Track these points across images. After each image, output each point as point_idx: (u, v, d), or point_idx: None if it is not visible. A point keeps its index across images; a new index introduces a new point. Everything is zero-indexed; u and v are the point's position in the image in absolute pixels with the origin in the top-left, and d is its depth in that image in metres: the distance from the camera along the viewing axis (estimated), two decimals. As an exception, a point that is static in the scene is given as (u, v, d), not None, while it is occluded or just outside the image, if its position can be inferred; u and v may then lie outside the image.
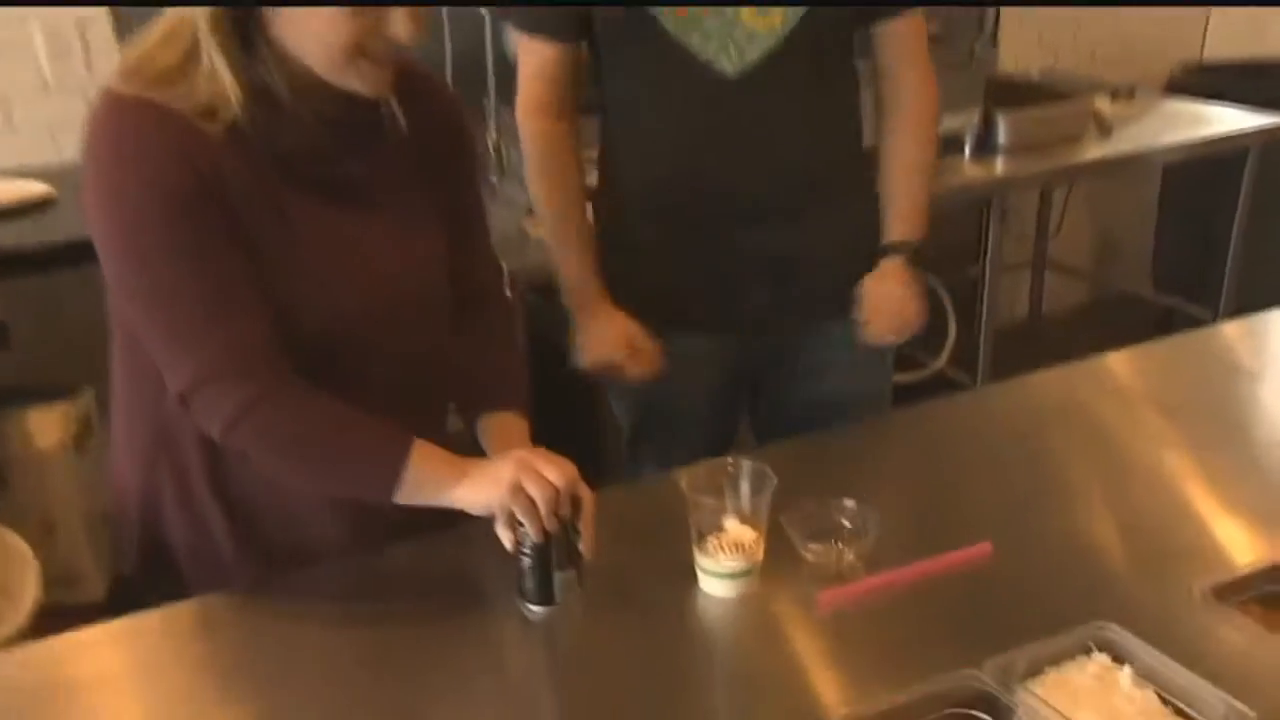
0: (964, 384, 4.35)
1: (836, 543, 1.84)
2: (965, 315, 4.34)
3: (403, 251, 1.85)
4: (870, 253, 2.38)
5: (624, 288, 2.36)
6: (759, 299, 2.33)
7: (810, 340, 2.39)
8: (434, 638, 1.75)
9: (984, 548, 1.91)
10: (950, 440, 2.26)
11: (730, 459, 1.91)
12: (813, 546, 1.87)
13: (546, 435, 1.92)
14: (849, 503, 1.90)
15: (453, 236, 1.95)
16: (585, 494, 1.79)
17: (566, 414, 2.80)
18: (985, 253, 4.11)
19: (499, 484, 1.70)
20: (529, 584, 1.80)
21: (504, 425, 1.95)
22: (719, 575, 1.82)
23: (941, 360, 4.36)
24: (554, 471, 1.70)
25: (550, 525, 1.74)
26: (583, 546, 1.79)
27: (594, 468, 1.87)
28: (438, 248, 1.92)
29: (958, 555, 1.88)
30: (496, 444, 1.92)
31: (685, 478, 1.86)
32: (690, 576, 1.86)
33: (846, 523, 1.87)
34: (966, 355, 4.35)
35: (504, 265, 2.37)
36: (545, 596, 1.79)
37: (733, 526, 1.83)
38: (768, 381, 2.46)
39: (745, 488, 1.85)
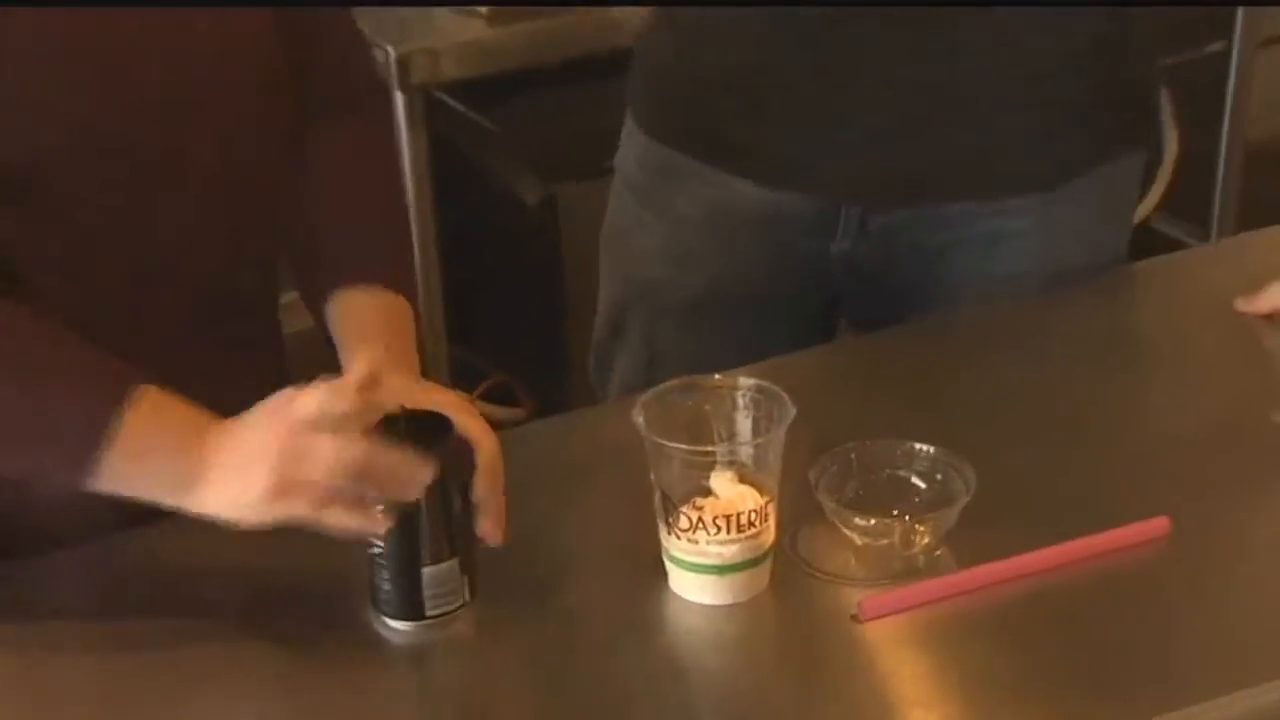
0: (1182, 240, 2.85)
1: (904, 516, 1.17)
2: (1195, 121, 2.86)
3: (172, 31, 1.12)
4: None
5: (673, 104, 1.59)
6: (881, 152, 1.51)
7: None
8: (235, 658, 1.13)
9: (1157, 527, 1.20)
10: (1119, 344, 1.51)
11: (719, 376, 1.21)
12: (861, 521, 1.17)
13: (468, 333, 1.35)
14: (925, 449, 1.22)
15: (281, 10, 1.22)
16: (481, 437, 1.12)
17: (508, 291, 2.14)
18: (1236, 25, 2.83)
19: (248, 489, 1.05)
20: (383, 587, 1.14)
21: (365, 312, 1.23)
22: (699, 569, 1.15)
23: (1150, 199, 2.71)
24: (342, 443, 1.04)
25: (412, 494, 1.07)
26: (481, 526, 1.13)
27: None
28: (248, 23, 1.17)
29: (1108, 539, 1.18)
30: (350, 342, 1.21)
31: (643, 408, 1.16)
32: (656, 570, 1.18)
33: (920, 482, 1.22)
34: (1191, 191, 2.92)
35: (389, 50, 1.88)
36: (409, 607, 1.13)
37: (724, 488, 1.14)
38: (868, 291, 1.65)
39: (743, 422, 1.17)
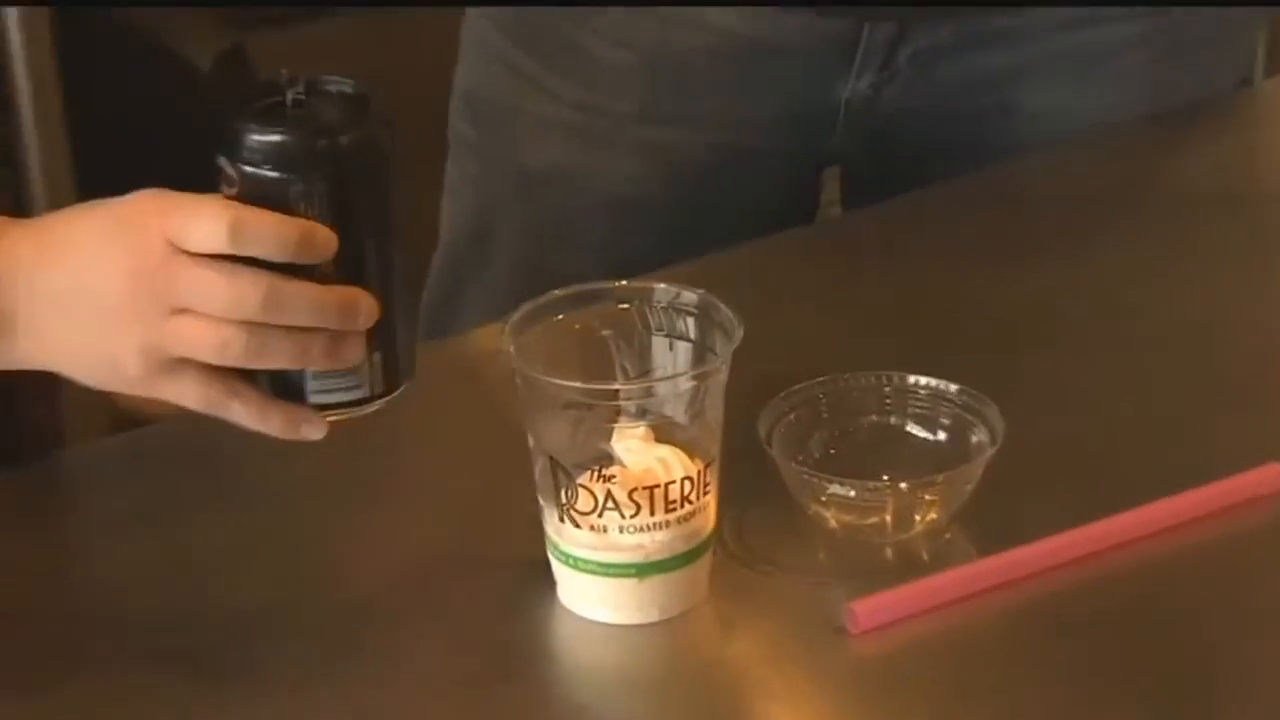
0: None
1: (899, 483, 0.86)
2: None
3: None
4: None
5: None
6: None
7: None
8: None
9: (1266, 478, 0.88)
10: (1233, 216, 1.13)
11: (625, 282, 0.86)
12: (839, 492, 0.85)
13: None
14: (928, 384, 0.90)
15: None
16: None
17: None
18: None
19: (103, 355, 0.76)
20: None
21: None
22: (609, 570, 0.80)
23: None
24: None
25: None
26: None
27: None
28: None
29: (1195, 500, 0.87)
30: None
31: (513, 332, 0.81)
32: (536, 578, 0.83)
33: (921, 431, 0.91)
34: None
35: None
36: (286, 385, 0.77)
37: (633, 452, 0.80)
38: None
39: (662, 352, 0.83)
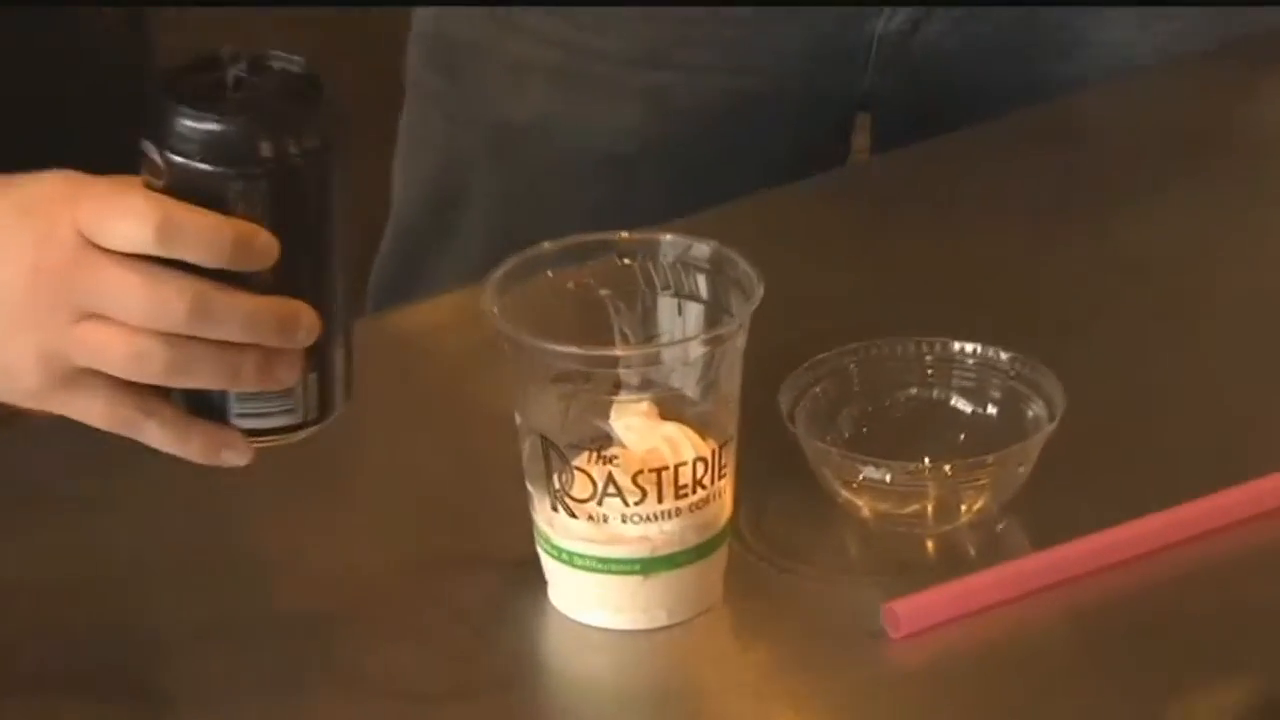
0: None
1: (943, 466, 0.78)
2: None
3: None
4: None
5: None
6: None
7: None
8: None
9: None
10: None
11: (627, 234, 0.76)
12: (874, 476, 0.78)
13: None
14: (975, 350, 0.82)
15: None
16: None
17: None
18: None
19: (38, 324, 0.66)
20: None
21: None
22: (611, 566, 0.71)
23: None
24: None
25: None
26: None
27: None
28: None
29: (1262, 489, 0.79)
30: None
31: (497, 290, 0.72)
32: (524, 577, 0.74)
33: (967, 405, 0.83)
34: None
35: None
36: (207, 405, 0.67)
37: (635, 430, 0.71)
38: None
39: (669, 315, 0.74)
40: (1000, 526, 0.77)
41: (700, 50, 1.09)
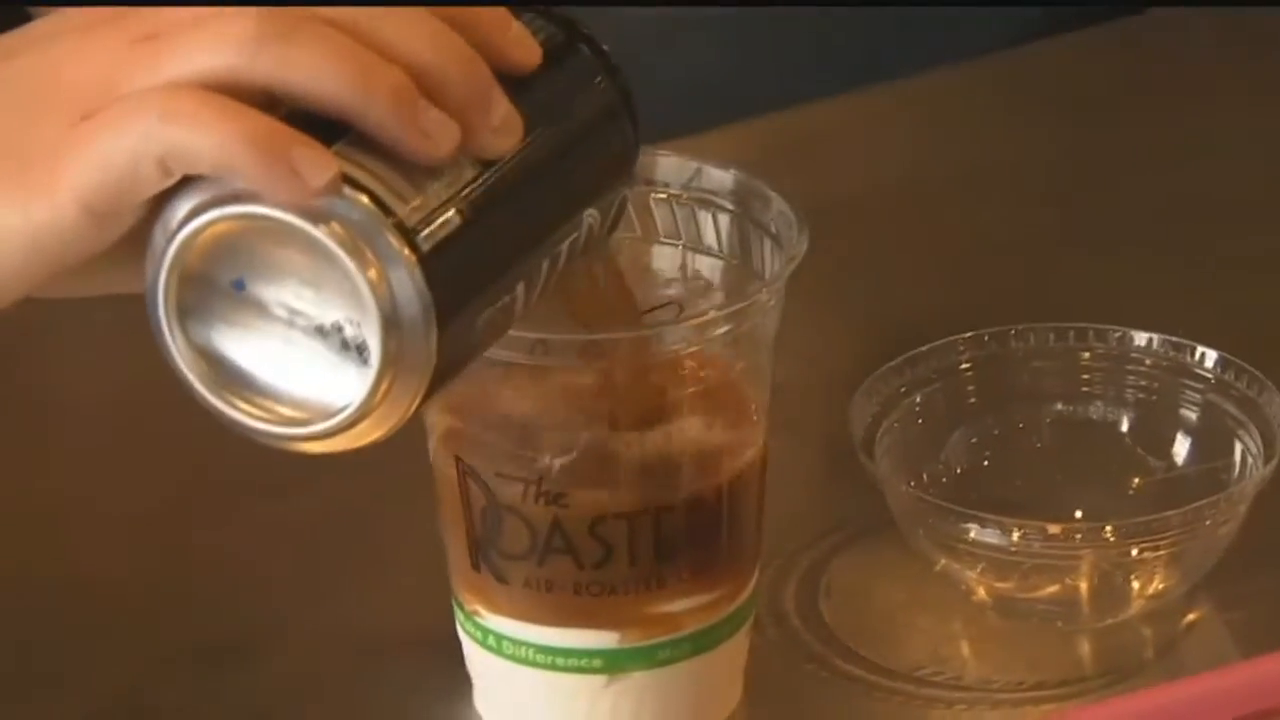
0: None
1: (1103, 528, 0.51)
2: None
3: None
4: None
5: None
6: None
7: None
8: None
9: None
10: None
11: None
12: (990, 536, 0.51)
13: None
14: (1161, 345, 0.54)
15: None
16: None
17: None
18: None
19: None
20: None
21: None
22: (545, 662, 0.46)
23: None
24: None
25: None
26: None
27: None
28: None
29: None
30: None
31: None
32: (444, 668, 0.48)
33: (1142, 431, 0.56)
34: None
35: None
36: None
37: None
38: None
39: (668, 270, 0.49)
40: (1191, 618, 0.54)
41: None
